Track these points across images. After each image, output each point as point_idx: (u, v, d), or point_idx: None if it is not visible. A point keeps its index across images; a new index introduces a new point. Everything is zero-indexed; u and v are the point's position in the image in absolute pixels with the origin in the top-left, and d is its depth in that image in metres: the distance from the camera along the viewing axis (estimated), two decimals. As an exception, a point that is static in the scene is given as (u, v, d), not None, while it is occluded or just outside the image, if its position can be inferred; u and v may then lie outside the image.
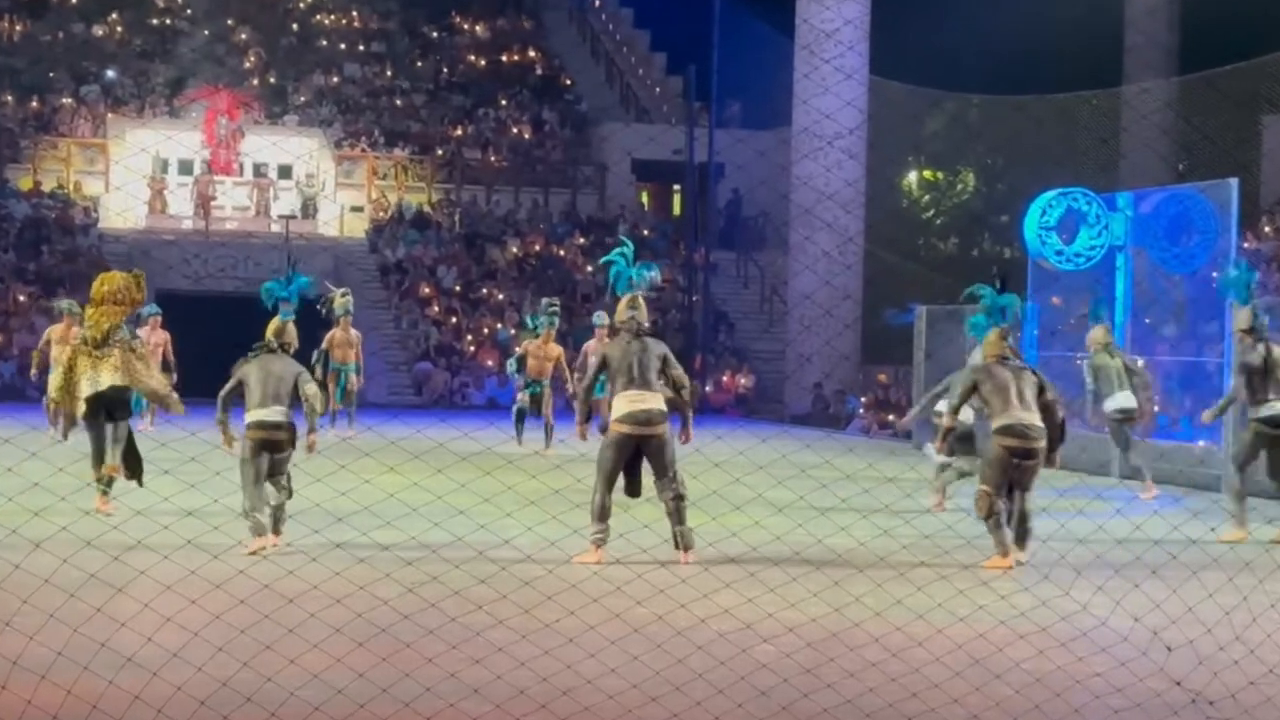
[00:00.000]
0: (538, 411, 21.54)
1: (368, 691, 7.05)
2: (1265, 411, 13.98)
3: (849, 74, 31.82)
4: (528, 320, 23.34)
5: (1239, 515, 14.06)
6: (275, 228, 38.54)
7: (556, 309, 22.62)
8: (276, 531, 11.80)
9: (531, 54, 47.11)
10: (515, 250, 39.26)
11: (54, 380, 14.35)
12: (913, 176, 44.80)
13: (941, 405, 14.11)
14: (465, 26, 47.46)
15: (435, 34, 46.79)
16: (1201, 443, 20.70)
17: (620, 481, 11.82)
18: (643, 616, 8.76)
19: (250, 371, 11.98)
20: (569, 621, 8.37)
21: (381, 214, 40.00)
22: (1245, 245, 28.11)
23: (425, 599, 8.68)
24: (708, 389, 35.21)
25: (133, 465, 13.94)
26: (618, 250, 12.56)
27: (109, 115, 40.31)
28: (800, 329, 32.86)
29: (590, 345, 22.72)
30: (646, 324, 12.07)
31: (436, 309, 36.89)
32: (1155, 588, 9.74)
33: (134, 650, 7.03)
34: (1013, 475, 12.02)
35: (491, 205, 41.27)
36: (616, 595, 9.06)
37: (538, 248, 39.59)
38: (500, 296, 37.18)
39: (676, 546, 11.64)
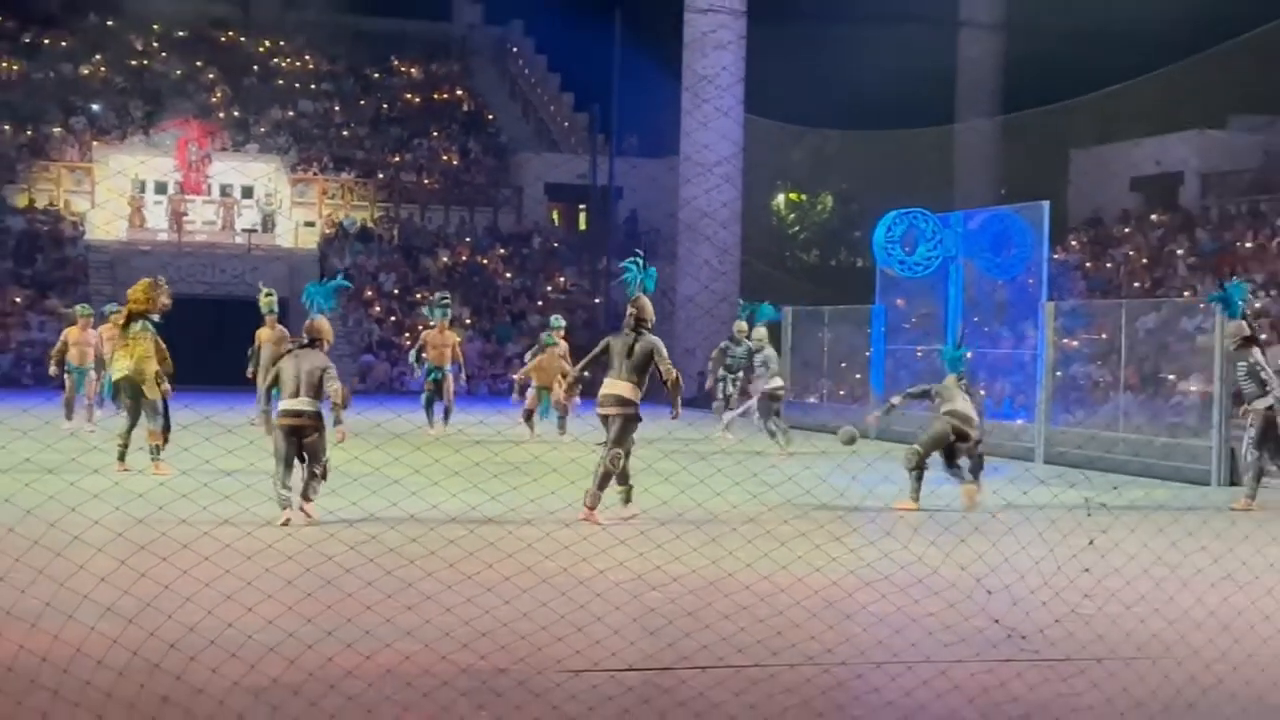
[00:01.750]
0: (440, 396, 20.67)
1: (315, 635, 6.98)
2: (1270, 401, 14.24)
3: (726, 112, 31.97)
4: (425, 312, 22.56)
5: (1254, 488, 14.33)
6: (238, 240, 38.10)
7: (448, 301, 21.89)
8: (306, 498, 11.36)
9: (459, 93, 46.88)
10: (445, 260, 39.05)
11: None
12: (780, 198, 45.04)
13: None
14: (402, 69, 47.15)
15: (376, 75, 46.45)
16: (1019, 421, 20.96)
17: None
18: (550, 569, 8.73)
19: (285, 366, 11.68)
20: (487, 574, 8.34)
21: (330, 229, 39.65)
22: (1056, 257, 28.49)
23: (364, 555, 8.62)
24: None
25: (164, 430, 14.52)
26: (631, 259, 12.63)
27: (94, 143, 39.70)
28: (685, 326, 32.97)
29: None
30: (648, 320, 12.06)
31: (378, 309, 36.64)
32: (978, 542, 9.84)
33: (112, 601, 6.92)
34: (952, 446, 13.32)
35: (425, 221, 41.02)
36: (527, 551, 9.04)
37: (464, 257, 39.41)
38: (433, 299, 36.99)
39: (584, 502, 11.65)
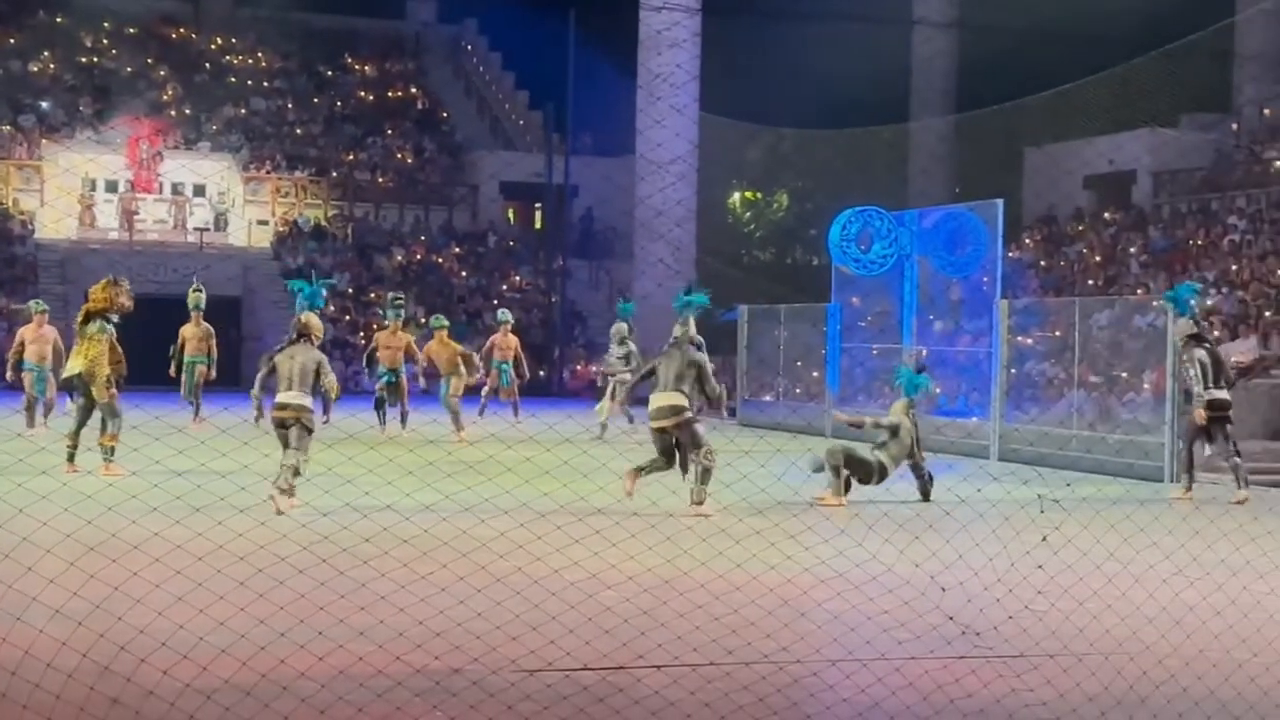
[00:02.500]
0: (395, 399, 20.12)
1: (267, 636, 6.95)
2: (1210, 398, 14.85)
3: (680, 110, 32.00)
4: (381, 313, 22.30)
5: (1186, 480, 15.14)
6: (190, 239, 37.86)
7: (402, 301, 21.47)
8: (279, 488, 11.85)
9: (413, 90, 46.71)
10: (400, 259, 38.91)
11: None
12: (736, 196, 45.11)
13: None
14: (356, 67, 46.94)
15: (330, 73, 46.22)
16: (974, 419, 21.08)
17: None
18: (504, 568, 8.71)
19: (280, 361, 12.36)
20: (441, 574, 8.31)
21: (284, 227, 39.46)
22: (1011, 255, 28.67)
23: (317, 555, 8.57)
24: (564, 376, 35.20)
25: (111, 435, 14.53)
26: (685, 289, 13.52)
27: (43, 140, 39.31)
28: (640, 323, 32.87)
29: (495, 339, 22.45)
30: (690, 338, 13.05)
31: (332, 308, 36.38)
32: (932, 539, 9.89)
33: (61, 603, 6.86)
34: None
35: (379, 220, 40.86)
36: (481, 551, 9.01)
37: (419, 256, 39.29)
38: (386, 299, 36.88)
39: (692, 501, 12.46)
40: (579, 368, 35.54)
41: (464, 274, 38.88)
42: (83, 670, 6.20)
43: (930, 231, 21.86)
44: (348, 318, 36.21)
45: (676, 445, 12.68)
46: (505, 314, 23.05)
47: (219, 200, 39.00)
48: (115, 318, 14.51)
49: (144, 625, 6.79)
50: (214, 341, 21.30)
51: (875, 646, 7.35)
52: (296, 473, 12.02)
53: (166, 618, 7.05)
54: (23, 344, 19.24)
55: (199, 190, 39.08)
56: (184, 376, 21.09)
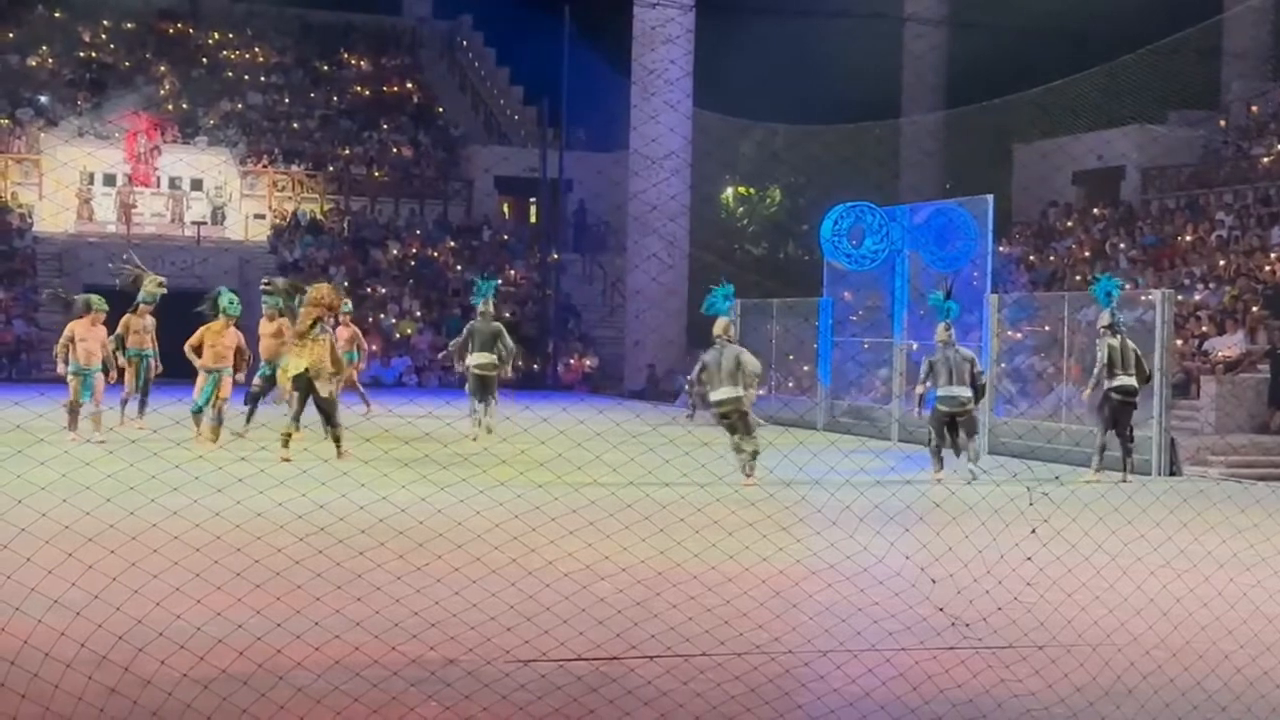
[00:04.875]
0: (266, 392, 18.20)
1: (264, 626, 6.94)
2: (1117, 383, 15.91)
3: (674, 106, 31.98)
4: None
5: (1096, 462, 16.24)
6: (188, 232, 37.81)
7: (270, 288, 18.08)
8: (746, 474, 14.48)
9: (409, 85, 46.65)
10: (396, 252, 38.87)
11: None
12: (729, 191, 45.07)
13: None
14: (352, 62, 46.87)
15: (326, 68, 46.16)
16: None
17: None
18: (499, 560, 8.71)
19: (709, 359, 14.70)
20: (436, 565, 8.32)
21: (280, 221, 39.40)
22: (1001, 250, 28.67)
23: (313, 547, 8.56)
24: (559, 369, 35.20)
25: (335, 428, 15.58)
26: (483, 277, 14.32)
27: (41, 134, 39.22)
28: (634, 318, 32.97)
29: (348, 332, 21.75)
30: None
31: (326, 302, 36.40)
32: (922, 531, 9.90)
33: (60, 594, 6.85)
34: (953, 426, 15.43)
35: (375, 214, 40.81)
36: (477, 542, 9.01)
37: (415, 250, 39.24)
38: (383, 291, 36.84)
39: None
40: (573, 361, 35.52)
41: (459, 268, 38.84)
42: (81, 660, 6.20)
43: (921, 227, 21.85)
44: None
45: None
46: (345, 304, 22.44)
47: (216, 194, 38.95)
48: (338, 315, 16.11)
49: (141, 615, 6.79)
50: (154, 335, 19.81)
51: (866, 637, 7.36)
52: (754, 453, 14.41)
53: (164, 608, 7.05)
54: (72, 339, 17.54)
55: (196, 184, 39.03)
56: (129, 370, 19.19)
